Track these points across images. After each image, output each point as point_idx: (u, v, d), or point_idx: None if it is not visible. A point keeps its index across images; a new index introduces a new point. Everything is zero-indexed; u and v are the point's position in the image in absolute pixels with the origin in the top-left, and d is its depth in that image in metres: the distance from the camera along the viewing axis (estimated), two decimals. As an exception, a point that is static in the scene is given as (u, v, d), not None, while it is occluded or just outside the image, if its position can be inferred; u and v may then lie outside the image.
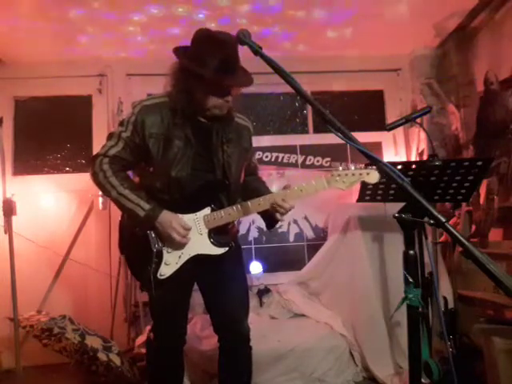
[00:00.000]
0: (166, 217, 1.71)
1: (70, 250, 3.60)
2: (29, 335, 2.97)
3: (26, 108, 3.80)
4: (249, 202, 1.76)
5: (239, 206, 1.76)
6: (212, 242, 1.78)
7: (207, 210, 1.78)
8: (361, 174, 1.63)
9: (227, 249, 1.79)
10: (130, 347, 3.22)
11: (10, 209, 2.79)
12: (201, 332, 2.89)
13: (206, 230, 1.78)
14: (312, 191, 1.70)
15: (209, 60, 1.64)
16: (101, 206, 3.47)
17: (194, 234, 1.77)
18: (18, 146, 3.76)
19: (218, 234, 1.81)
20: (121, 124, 1.79)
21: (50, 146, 3.88)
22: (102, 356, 2.69)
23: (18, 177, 3.69)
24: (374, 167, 1.60)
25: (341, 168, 1.66)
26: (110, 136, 1.80)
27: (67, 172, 3.88)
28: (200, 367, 2.68)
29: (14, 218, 2.80)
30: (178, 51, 1.73)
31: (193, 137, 1.77)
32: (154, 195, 1.77)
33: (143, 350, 2.64)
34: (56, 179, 3.73)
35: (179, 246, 1.75)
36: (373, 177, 1.63)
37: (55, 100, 3.85)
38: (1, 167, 2.78)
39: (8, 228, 2.72)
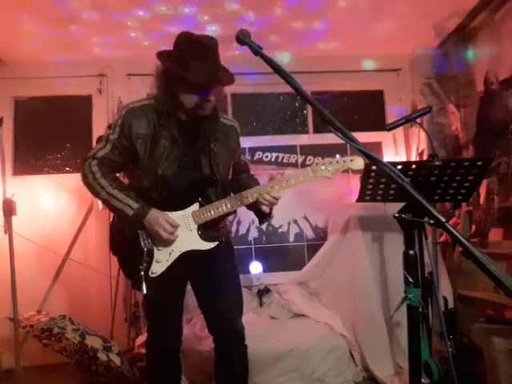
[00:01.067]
0: (154, 215, 1.73)
1: (70, 250, 3.61)
2: (29, 335, 2.97)
3: (25, 108, 3.80)
4: (236, 196, 1.79)
5: (227, 201, 1.79)
6: (201, 236, 1.79)
7: (195, 206, 1.80)
8: (345, 161, 1.67)
9: (217, 243, 1.80)
10: (129, 347, 3.22)
11: (10, 209, 2.79)
12: (200, 332, 2.88)
13: (196, 226, 1.79)
14: (297, 182, 1.73)
15: (190, 62, 1.68)
16: (101, 205, 3.46)
17: (184, 231, 1.78)
18: (18, 146, 3.76)
19: (208, 229, 1.82)
20: (109, 127, 1.83)
21: (50, 145, 3.88)
22: (102, 356, 2.69)
23: (17, 177, 3.69)
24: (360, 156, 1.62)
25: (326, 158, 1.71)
26: (99, 139, 1.85)
27: (67, 172, 3.88)
28: (199, 367, 2.68)
29: (14, 218, 2.80)
30: (162, 55, 1.77)
31: (179, 137, 1.80)
32: (143, 194, 1.80)
33: (143, 350, 2.64)
34: (56, 179, 3.73)
35: (167, 243, 1.77)
36: (357, 163, 1.65)
37: (55, 100, 3.85)
38: (1, 167, 2.79)
39: (8, 228, 2.72)
